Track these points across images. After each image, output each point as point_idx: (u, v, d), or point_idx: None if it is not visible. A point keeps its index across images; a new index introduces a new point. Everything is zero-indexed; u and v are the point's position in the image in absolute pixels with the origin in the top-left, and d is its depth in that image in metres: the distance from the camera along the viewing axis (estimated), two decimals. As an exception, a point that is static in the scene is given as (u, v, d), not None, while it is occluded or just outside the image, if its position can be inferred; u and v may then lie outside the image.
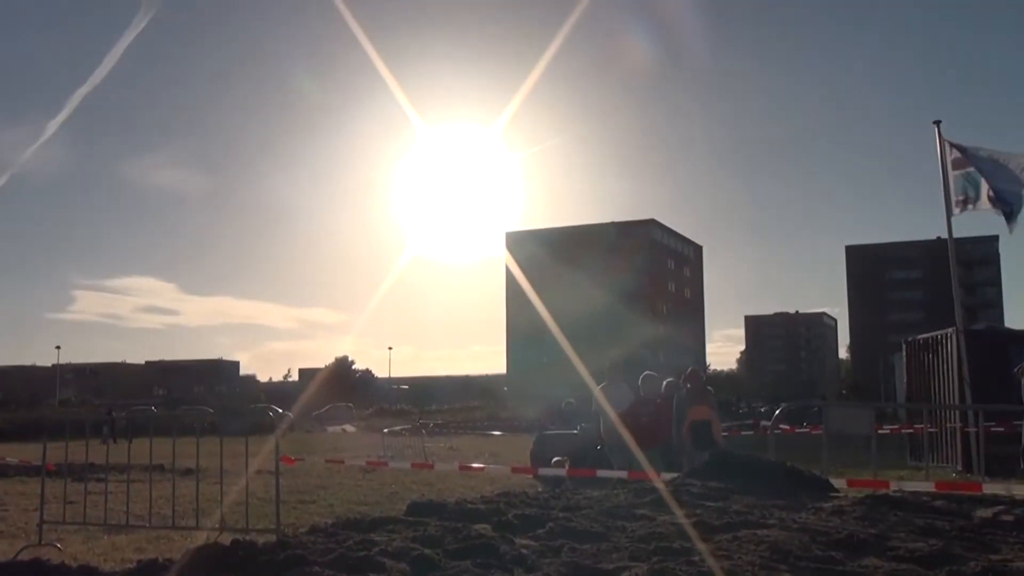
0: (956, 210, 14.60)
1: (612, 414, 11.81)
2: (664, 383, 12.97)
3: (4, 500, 12.46)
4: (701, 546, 3.33)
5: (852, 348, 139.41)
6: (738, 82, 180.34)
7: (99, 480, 9.79)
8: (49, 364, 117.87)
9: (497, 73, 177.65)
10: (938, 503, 4.91)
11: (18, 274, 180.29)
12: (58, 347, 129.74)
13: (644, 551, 3.30)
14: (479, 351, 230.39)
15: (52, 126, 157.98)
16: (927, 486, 7.03)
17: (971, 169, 14.14)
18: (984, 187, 13.95)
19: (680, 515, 4.03)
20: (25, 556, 6.46)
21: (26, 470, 16.56)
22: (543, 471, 12.27)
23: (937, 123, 14.98)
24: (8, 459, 18.48)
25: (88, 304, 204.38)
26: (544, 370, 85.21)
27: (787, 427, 19.77)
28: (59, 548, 7.61)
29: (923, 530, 3.94)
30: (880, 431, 13.43)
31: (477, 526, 3.61)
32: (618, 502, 4.56)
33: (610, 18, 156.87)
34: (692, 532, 3.64)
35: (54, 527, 8.34)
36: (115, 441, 21.90)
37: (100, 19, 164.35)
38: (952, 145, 14.70)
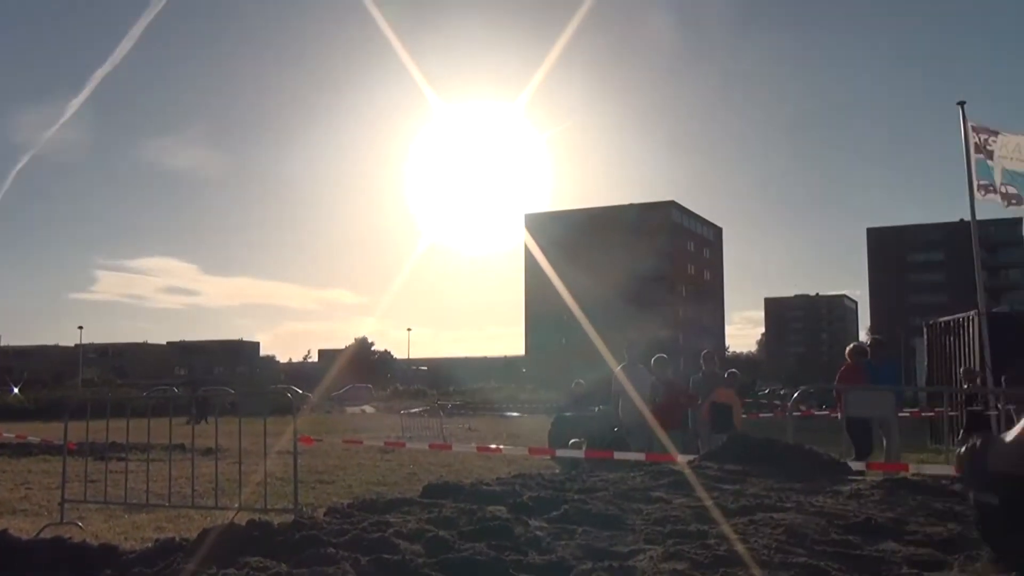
0: (979, 194, 14.45)
1: (635, 395, 11.78)
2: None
3: (27, 478, 12.61)
4: (716, 529, 3.31)
5: (873, 331, 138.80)
6: (759, 63, 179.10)
7: (120, 459, 9.87)
8: (72, 344, 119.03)
9: (513, 55, 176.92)
10: (957, 487, 4.87)
11: (40, 254, 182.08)
12: (80, 327, 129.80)
13: (659, 534, 3.29)
14: (498, 332, 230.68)
15: (72, 107, 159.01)
16: (947, 470, 6.99)
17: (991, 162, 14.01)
18: (998, 177, 13.83)
19: (696, 498, 4.02)
20: (47, 534, 6.53)
21: (48, 449, 16.73)
22: (560, 453, 12.28)
23: (961, 104, 14.77)
24: (31, 438, 18.66)
25: (110, 284, 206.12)
26: (563, 352, 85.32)
27: (805, 410, 19.72)
28: (80, 526, 7.69)
29: (942, 514, 3.91)
30: (900, 415, 13.34)
31: (492, 508, 3.61)
32: (634, 485, 4.55)
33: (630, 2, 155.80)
34: (708, 515, 3.62)
35: (76, 505, 8.44)
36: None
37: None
38: (975, 128, 14.51)
